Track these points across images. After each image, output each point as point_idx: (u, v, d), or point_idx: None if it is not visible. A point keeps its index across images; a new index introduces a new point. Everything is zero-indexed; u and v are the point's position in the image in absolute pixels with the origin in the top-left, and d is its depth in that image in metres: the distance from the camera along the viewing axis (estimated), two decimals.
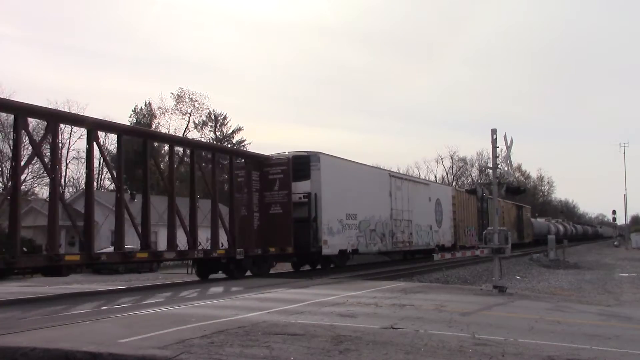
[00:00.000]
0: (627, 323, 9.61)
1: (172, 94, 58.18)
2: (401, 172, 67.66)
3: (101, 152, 16.16)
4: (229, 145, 54.06)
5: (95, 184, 27.38)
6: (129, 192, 34.78)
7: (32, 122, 14.77)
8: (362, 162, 26.08)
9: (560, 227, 73.64)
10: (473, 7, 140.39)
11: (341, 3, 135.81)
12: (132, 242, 16.30)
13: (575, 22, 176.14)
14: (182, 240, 15.78)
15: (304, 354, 5.96)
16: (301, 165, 20.11)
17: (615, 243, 71.72)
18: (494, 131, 14.02)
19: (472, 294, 12.80)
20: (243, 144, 60.18)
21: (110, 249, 15.93)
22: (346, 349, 6.22)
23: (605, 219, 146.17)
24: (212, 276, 17.79)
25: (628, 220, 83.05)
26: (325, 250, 20.13)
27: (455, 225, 34.17)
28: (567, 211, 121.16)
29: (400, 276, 19.81)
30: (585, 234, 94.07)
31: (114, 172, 15.60)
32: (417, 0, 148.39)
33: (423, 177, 71.54)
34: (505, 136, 14.34)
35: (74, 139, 47.70)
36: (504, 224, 39.11)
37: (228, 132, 61.81)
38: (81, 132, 36.15)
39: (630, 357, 6.50)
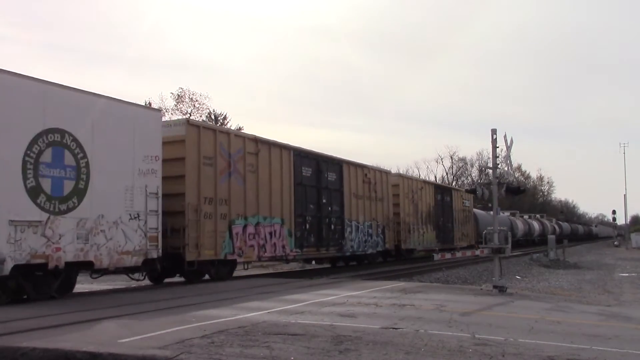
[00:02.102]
0: (627, 323, 9.61)
1: (172, 94, 57.99)
2: (401, 172, 64.58)
3: None
4: None
5: None
6: None
7: None
8: None
9: (536, 225, 59.58)
10: (473, 8, 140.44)
11: (342, 4, 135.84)
12: None
13: (575, 22, 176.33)
14: None
15: (304, 354, 5.96)
16: None
17: (615, 243, 71.68)
18: (494, 131, 14.01)
19: (472, 294, 12.79)
20: None
21: None
22: (346, 349, 6.23)
23: (605, 219, 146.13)
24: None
25: (628, 220, 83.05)
26: None
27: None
28: (567, 211, 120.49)
29: (400, 276, 19.80)
30: (575, 233, 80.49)
31: None
32: (417, 1, 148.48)
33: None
34: (505, 136, 14.30)
35: None
36: (396, 214, 26.40)
37: None
38: None
39: (630, 357, 6.50)
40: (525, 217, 60.36)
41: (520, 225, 52.90)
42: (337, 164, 22.21)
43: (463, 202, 36.45)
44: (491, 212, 46.72)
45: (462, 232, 35.66)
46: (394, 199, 26.60)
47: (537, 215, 67.89)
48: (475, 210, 41.49)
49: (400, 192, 27.27)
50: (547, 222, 66.26)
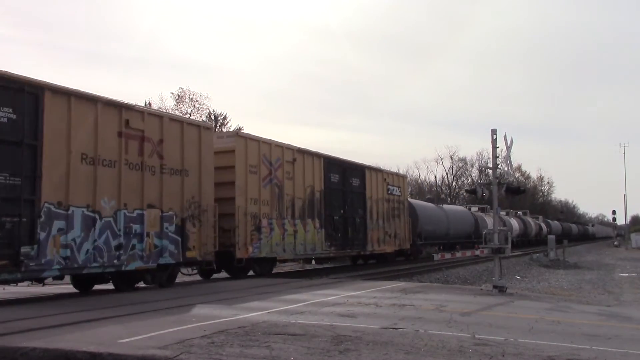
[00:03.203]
0: (627, 323, 9.61)
1: (172, 93, 57.98)
2: (401, 172, 61.53)
3: None
4: None
5: None
6: None
7: None
8: None
9: (515, 224, 48.68)
10: (472, 7, 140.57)
11: (342, 4, 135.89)
12: None
13: (574, 22, 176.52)
14: None
15: (304, 354, 5.96)
16: None
17: (615, 243, 71.69)
18: (494, 131, 14.03)
19: (472, 294, 12.80)
20: None
21: None
22: (346, 349, 6.22)
23: (605, 219, 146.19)
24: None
25: (628, 220, 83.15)
26: None
27: None
28: (567, 211, 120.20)
29: (400, 276, 19.81)
30: (568, 233, 69.66)
31: None
32: (417, 2, 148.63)
33: (423, 178, 65.64)
34: (505, 136, 14.32)
35: None
36: (226, 200, 15.94)
37: None
38: None
39: (631, 357, 6.50)
40: (502, 213, 49.25)
41: (490, 223, 38.99)
42: (11, 89, 10.63)
43: (387, 189, 25.57)
44: (443, 206, 36.29)
45: (386, 231, 25.05)
46: (222, 174, 15.81)
47: (519, 212, 57.74)
48: (412, 201, 31.59)
49: (239, 164, 16.37)
50: (530, 221, 56.41)
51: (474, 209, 44.53)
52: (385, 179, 25.53)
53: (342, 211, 21.76)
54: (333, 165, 21.51)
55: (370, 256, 25.22)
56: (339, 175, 21.72)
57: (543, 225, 60.65)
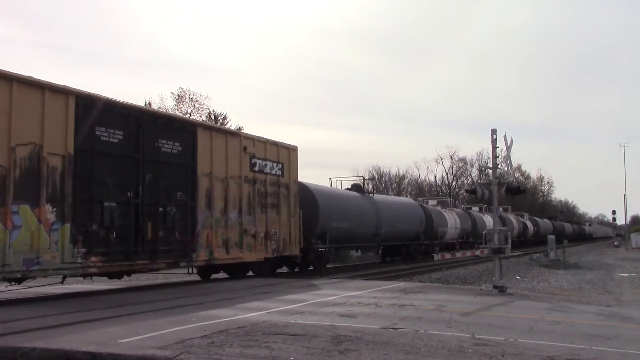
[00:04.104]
0: (627, 323, 9.61)
1: (172, 93, 57.98)
2: (400, 173, 56.68)
3: None
4: None
5: None
6: None
7: None
8: None
9: (488, 221, 37.29)
10: (472, 7, 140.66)
11: (342, 4, 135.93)
12: None
13: (575, 22, 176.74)
14: None
15: (304, 354, 5.96)
16: None
17: (615, 243, 71.71)
18: (494, 131, 14.04)
19: (472, 294, 12.80)
20: None
21: None
22: (346, 349, 6.23)
23: (605, 219, 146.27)
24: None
25: (628, 220, 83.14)
26: None
27: None
28: (567, 211, 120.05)
29: (400, 276, 19.82)
30: (561, 233, 59.22)
31: None
32: (416, 2, 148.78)
33: (423, 178, 63.88)
34: (505, 136, 14.33)
35: None
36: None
37: None
38: None
39: (631, 357, 6.50)
40: (475, 209, 41.05)
41: (453, 220, 32.58)
42: None
43: (253, 164, 16.65)
44: (373, 195, 25.52)
45: (246, 228, 16.19)
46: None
47: (500, 209, 45.92)
48: (310, 185, 21.17)
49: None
50: (512, 218, 48.01)
51: (432, 202, 35.72)
52: (246, 148, 16.41)
53: (129, 193, 12.77)
54: (106, 113, 12.26)
55: (213, 267, 16.29)
56: (125, 132, 12.75)
57: (529, 224, 53.02)
